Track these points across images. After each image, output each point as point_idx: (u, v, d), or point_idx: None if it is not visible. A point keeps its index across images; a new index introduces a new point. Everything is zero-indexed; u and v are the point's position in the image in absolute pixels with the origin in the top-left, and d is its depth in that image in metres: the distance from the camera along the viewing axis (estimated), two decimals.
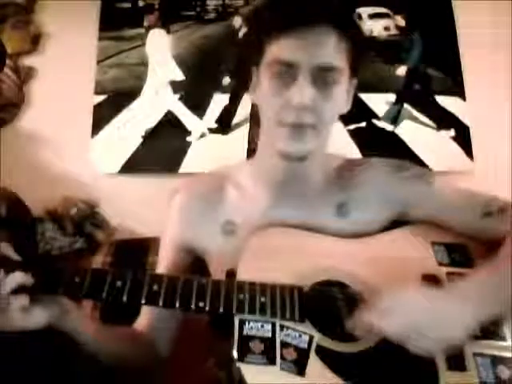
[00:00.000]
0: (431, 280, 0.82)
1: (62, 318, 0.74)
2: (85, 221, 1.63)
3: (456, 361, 0.74)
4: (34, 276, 0.70)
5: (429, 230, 0.89)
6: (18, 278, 0.69)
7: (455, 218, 0.89)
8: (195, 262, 0.93)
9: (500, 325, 0.77)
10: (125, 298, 0.72)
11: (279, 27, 0.78)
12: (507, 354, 0.75)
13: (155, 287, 0.73)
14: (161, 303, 0.73)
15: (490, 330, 0.77)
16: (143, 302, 0.73)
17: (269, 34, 0.80)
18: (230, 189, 0.93)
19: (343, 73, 0.80)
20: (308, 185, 0.89)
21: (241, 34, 1.89)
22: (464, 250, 0.87)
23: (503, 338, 0.77)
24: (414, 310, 0.71)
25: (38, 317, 0.71)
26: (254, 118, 1.75)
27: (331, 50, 0.78)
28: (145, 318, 0.91)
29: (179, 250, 0.93)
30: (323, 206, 0.89)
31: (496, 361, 0.74)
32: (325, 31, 0.78)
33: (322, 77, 0.78)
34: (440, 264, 0.85)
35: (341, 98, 0.83)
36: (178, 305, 0.73)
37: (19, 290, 0.69)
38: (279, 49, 0.78)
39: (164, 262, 0.93)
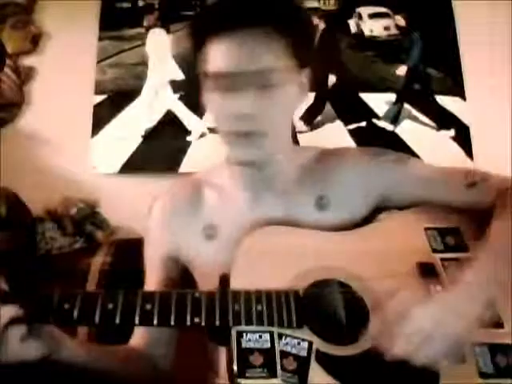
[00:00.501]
0: (426, 268, 0.81)
1: (56, 350, 0.73)
2: (85, 221, 1.62)
3: (456, 356, 0.71)
4: (22, 307, 0.68)
5: (419, 215, 0.88)
6: (10, 312, 0.67)
7: (440, 194, 0.88)
8: (183, 271, 0.92)
9: (496, 311, 0.75)
10: (118, 321, 0.70)
11: (216, 32, 0.77)
12: (505, 341, 0.74)
13: (148, 306, 0.71)
14: (155, 322, 0.71)
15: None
16: (137, 322, 0.71)
17: (207, 40, 0.79)
18: (209, 192, 0.92)
19: (288, 70, 0.79)
20: (282, 183, 0.89)
21: None
22: (457, 234, 0.86)
23: (500, 325, 0.75)
24: (428, 333, 0.67)
25: (34, 348, 0.69)
26: None
27: (271, 52, 0.76)
28: (139, 334, 0.90)
29: (166, 261, 0.91)
30: (302, 200, 0.89)
31: (494, 349, 0.73)
32: (262, 32, 0.76)
33: (264, 81, 0.76)
34: (434, 251, 0.84)
35: (290, 96, 0.81)
36: (172, 322, 0.71)
37: (15, 320, 0.67)
38: (217, 58, 0.77)
39: (153, 278, 0.91)
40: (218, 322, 0.71)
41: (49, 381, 0.79)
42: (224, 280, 0.76)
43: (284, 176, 0.89)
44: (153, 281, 0.91)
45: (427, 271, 0.81)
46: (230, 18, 0.76)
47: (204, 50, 0.80)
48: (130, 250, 1.34)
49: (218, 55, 0.78)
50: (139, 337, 0.89)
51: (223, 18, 0.77)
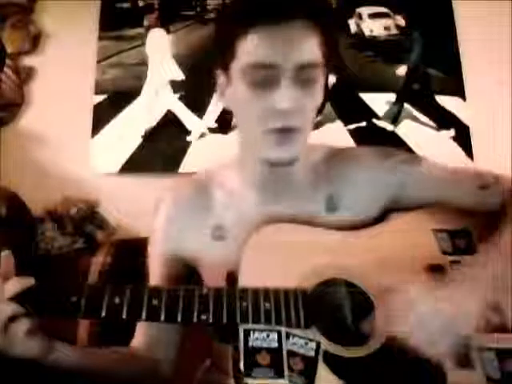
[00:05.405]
0: (435, 270, 0.80)
1: (47, 354, 0.71)
2: (85, 221, 1.63)
3: (462, 359, 0.71)
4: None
5: (429, 216, 0.87)
6: (16, 284, 0.67)
7: (452, 195, 0.87)
8: (188, 272, 0.91)
9: (504, 315, 0.74)
10: (124, 315, 0.69)
11: (251, 23, 0.73)
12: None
13: (155, 302, 0.70)
14: (162, 318, 0.70)
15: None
16: (144, 318, 0.70)
17: (240, 32, 0.74)
18: (216, 192, 0.90)
19: (320, 67, 0.77)
20: (294, 182, 0.87)
21: None
22: (467, 236, 0.85)
23: (508, 330, 0.74)
24: (425, 316, 0.68)
25: (36, 345, 0.68)
26: None
27: (310, 46, 0.74)
28: (140, 336, 0.88)
29: (170, 261, 0.90)
30: (312, 200, 0.87)
31: (501, 354, 0.72)
32: (300, 26, 0.74)
33: (304, 75, 0.74)
34: (444, 252, 0.83)
35: (319, 94, 0.80)
36: (179, 319, 0.70)
37: (21, 315, 0.67)
38: (254, 50, 0.73)
39: (155, 277, 0.90)
40: (225, 320, 0.70)
41: (49, 378, 0.78)
42: (231, 277, 0.75)
43: (295, 176, 0.87)
44: (155, 279, 0.90)
45: (436, 273, 0.80)
46: (268, 10, 0.73)
47: (236, 43, 0.75)
48: (130, 250, 1.34)
49: (257, 46, 0.73)
50: (140, 338, 0.88)
51: (261, 10, 0.73)
